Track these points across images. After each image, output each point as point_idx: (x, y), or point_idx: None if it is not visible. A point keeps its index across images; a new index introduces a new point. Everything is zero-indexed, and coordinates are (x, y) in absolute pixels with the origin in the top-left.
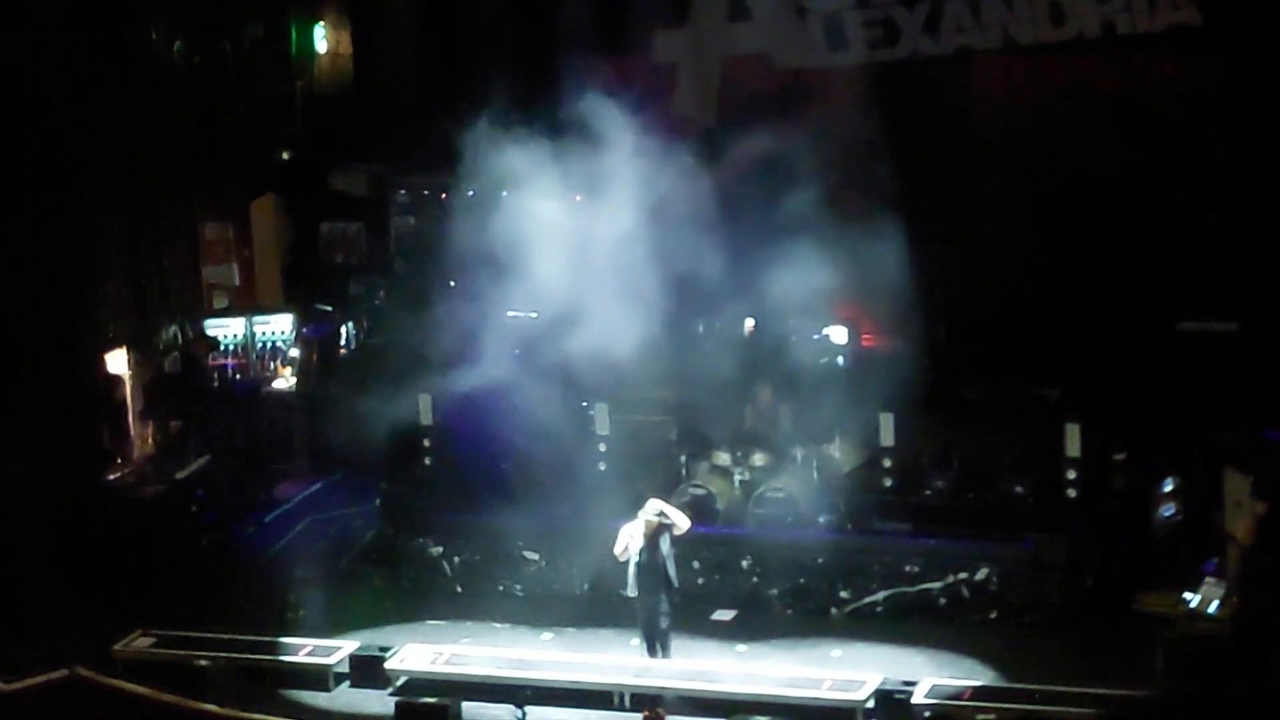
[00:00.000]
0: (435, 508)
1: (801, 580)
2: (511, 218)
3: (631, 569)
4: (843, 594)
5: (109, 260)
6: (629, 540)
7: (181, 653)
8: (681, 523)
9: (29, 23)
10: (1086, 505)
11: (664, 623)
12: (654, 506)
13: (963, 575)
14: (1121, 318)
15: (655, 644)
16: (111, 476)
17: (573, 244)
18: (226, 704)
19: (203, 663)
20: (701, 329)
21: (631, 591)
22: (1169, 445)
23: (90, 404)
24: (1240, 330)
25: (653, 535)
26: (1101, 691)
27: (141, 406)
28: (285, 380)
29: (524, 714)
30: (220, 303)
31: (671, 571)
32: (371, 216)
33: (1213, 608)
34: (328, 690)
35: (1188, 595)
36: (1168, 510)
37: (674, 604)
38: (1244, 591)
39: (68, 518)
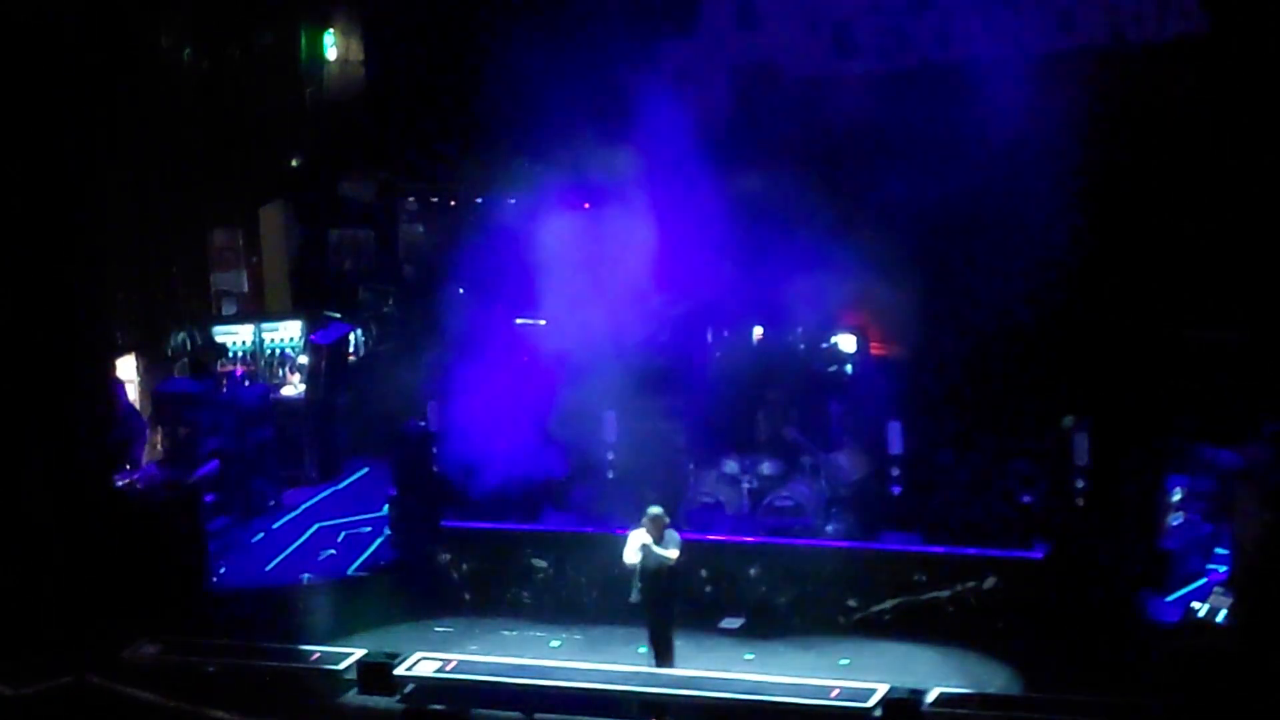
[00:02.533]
0: (443, 515)
1: (809, 589)
2: (519, 225)
3: (636, 575)
4: (850, 602)
5: (118, 267)
6: (635, 547)
7: (189, 659)
8: (670, 555)
9: (39, 30)
10: (1095, 514)
11: (670, 628)
12: (655, 511)
13: (970, 584)
14: (1128, 325)
15: (661, 649)
16: (120, 482)
17: (582, 252)
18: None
19: (211, 669)
20: (710, 337)
21: (634, 598)
22: (1178, 453)
23: (99, 410)
24: (1247, 338)
25: (658, 537)
26: (1110, 700)
27: (150, 412)
28: (294, 387)
29: None
30: (229, 309)
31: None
32: (380, 224)
33: (1221, 616)
34: (336, 697)
35: (1196, 604)
36: (1176, 518)
37: (678, 608)
38: (1252, 599)
39: (76, 523)
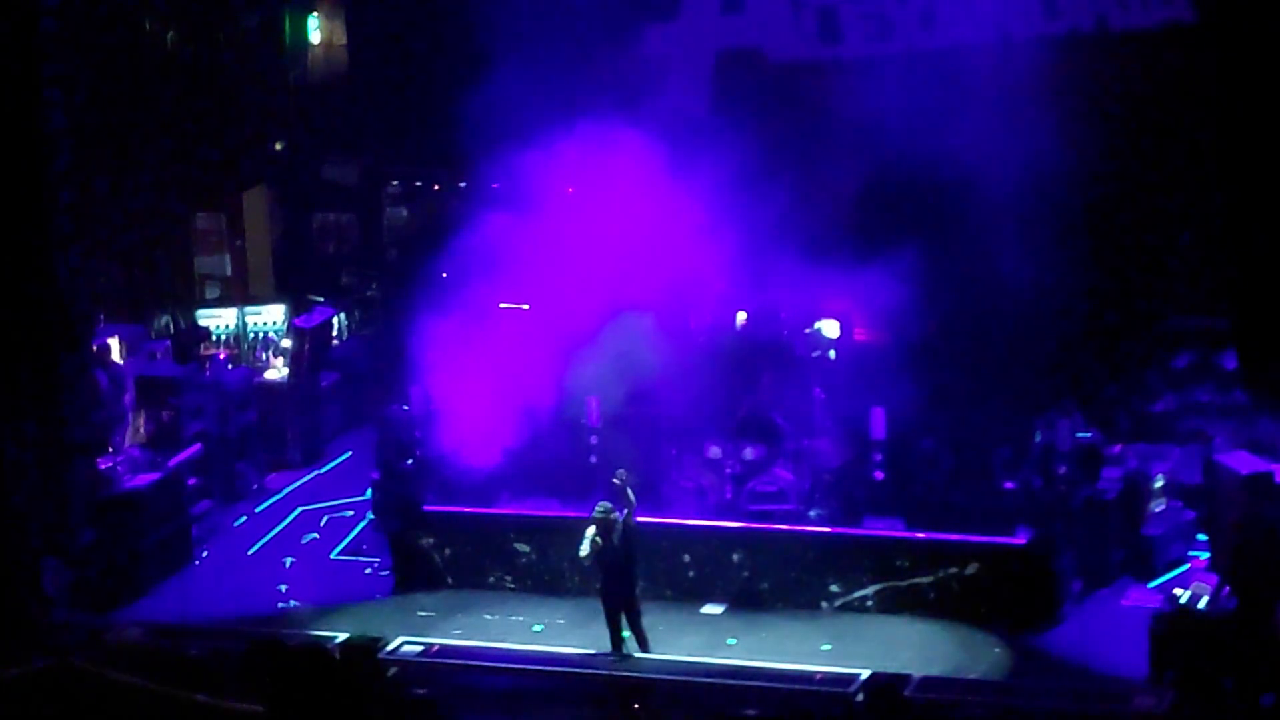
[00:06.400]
0: (426, 499)
1: (792, 574)
2: (503, 210)
3: (595, 566)
4: (833, 588)
5: (101, 250)
6: (587, 541)
7: (174, 642)
8: (630, 506)
9: (23, 12)
10: (1077, 500)
11: (635, 613)
12: (602, 508)
13: (953, 570)
14: (1113, 312)
15: (621, 638)
16: (103, 465)
17: (564, 236)
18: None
19: (195, 653)
20: (693, 321)
21: (602, 590)
22: (1160, 440)
23: (82, 393)
24: (1231, 326)
25: (606, 531)
26: (1091, 687)
27: (133, 396)
28: (277, 371)
29: None
30: (212, 293)
31: (627, 562)
32: (364, 207)
33: (1203, 603)
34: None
35: (1178, 590)
36: (1158, 505)
37: (636, 593)
38: (1234, 585)
39: (59, 506)
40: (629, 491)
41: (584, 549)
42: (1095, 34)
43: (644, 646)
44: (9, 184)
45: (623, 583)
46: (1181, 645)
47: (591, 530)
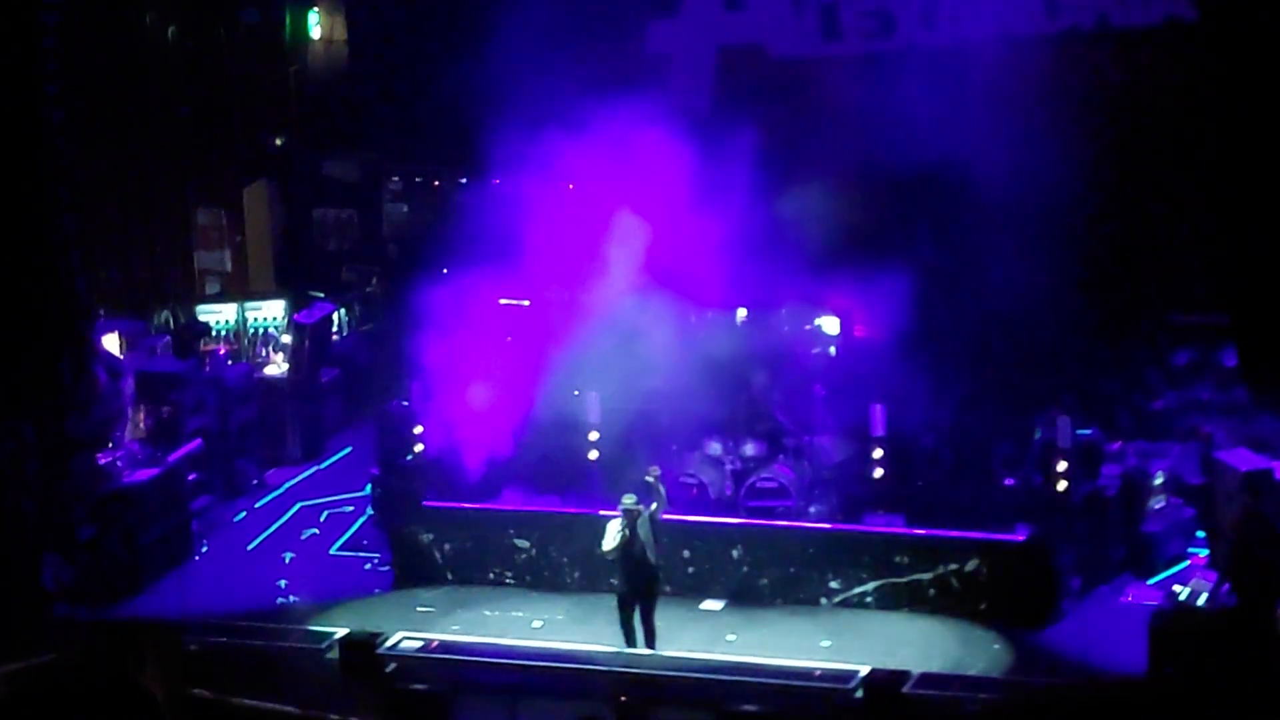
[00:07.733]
0: (426, 495)
1: (792, 570)
2: (504, 205)
3: (618, 560)
4: (833, 584)
5: (102, 245)
6: (614, 535)
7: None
8: (658, 505)
9: (23, 8)
10: (1077, 497)
11: (651, 608)
12: (629, 500)
13: (953, 566)
14: (1113, 309)
15: (634, 633)
16: (103, 460)
17: (565, 233)
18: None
19: (193, 647)
20: (694, 318)
21: (621, 585)
22: (1160, 437)
23: (82, 389)
24: (1231, 323)
25: (631, 525)
26: (1091, 683)
27: (133, 391)
28: (277, 366)
29: None
30: (212, 288)
31: (651, 556)
32: (364, 203)
33: (1202, 599)
34: (318, 676)
35: (1177, 587)
36: (1158, 502)
37: (658, 588)
38: (1234, 582)
39: (58, 501)
40: (661, 488)
41: (609, 543)
42: (1096, 31)
43: (651, 642)
44: (9, 179)
45: (645, 578)
46: (1181, 642)
47: (617, 524)
